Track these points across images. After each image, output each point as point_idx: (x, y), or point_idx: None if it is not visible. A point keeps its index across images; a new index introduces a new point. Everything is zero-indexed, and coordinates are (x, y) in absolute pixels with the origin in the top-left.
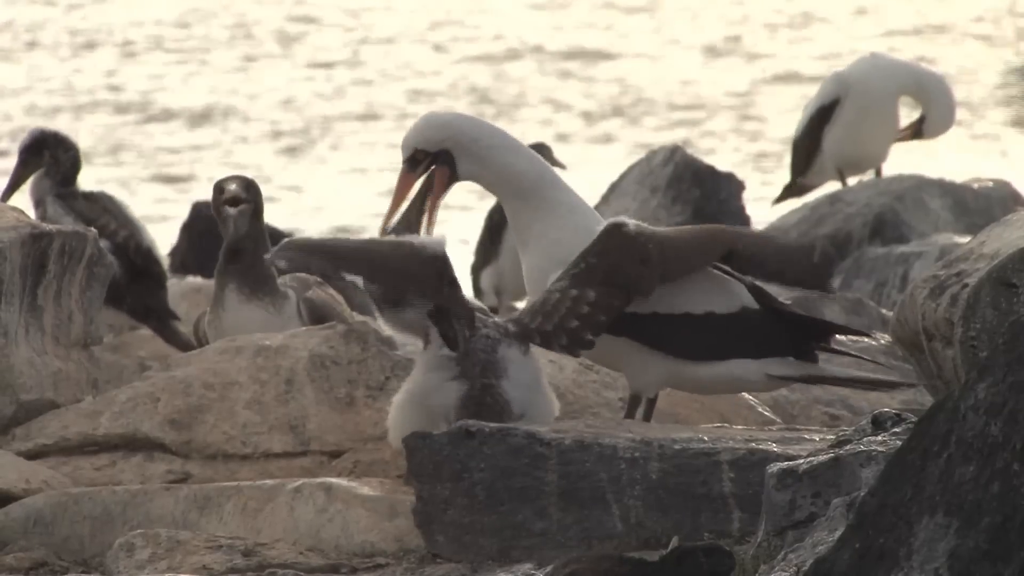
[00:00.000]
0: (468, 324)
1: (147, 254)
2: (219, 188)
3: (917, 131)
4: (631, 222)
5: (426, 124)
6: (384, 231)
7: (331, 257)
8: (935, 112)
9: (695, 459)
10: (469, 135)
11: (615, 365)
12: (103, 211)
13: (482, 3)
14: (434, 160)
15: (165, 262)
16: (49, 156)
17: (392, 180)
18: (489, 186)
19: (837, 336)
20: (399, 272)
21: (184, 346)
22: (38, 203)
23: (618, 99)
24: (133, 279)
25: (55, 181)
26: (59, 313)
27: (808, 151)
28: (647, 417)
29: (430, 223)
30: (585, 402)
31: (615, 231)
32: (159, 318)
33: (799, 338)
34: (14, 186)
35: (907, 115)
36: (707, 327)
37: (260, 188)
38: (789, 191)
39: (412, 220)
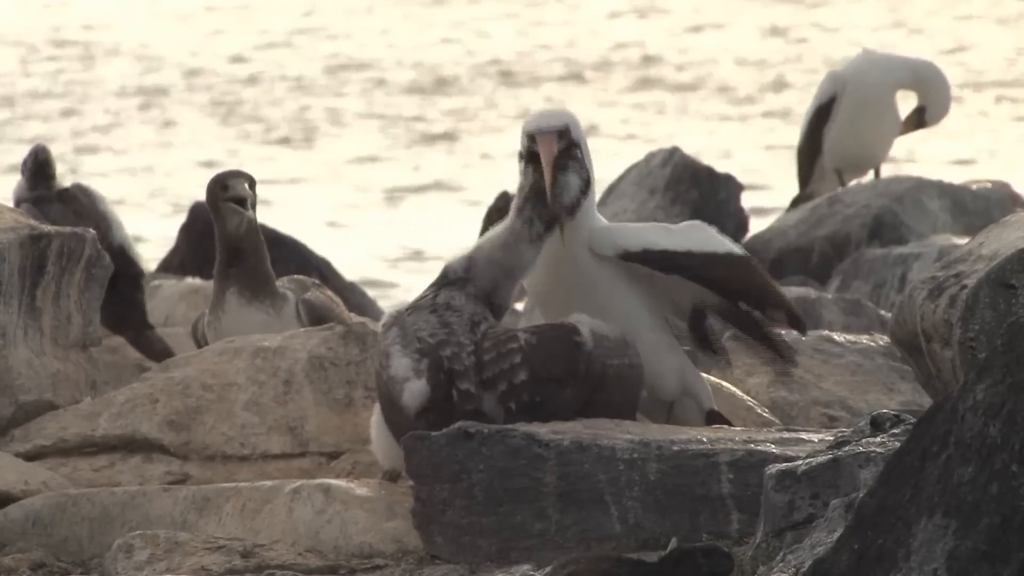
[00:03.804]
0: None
1: (120, 252)
2: (222, 184)
3: (919, 122)
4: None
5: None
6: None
7: None
8: (935, 100)
9: (694, 460)
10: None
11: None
12: (75, 216)
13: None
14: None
15: (146, 263)
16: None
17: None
18: None
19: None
20: None
21: (161, 355)
22: (16, 206)
23: None
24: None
25: (29, 183)
26: (58, 314)
27: (811, 155)
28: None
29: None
30: None
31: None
32: (134, 328)
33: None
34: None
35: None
36: None
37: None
38: (796, 204)
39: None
